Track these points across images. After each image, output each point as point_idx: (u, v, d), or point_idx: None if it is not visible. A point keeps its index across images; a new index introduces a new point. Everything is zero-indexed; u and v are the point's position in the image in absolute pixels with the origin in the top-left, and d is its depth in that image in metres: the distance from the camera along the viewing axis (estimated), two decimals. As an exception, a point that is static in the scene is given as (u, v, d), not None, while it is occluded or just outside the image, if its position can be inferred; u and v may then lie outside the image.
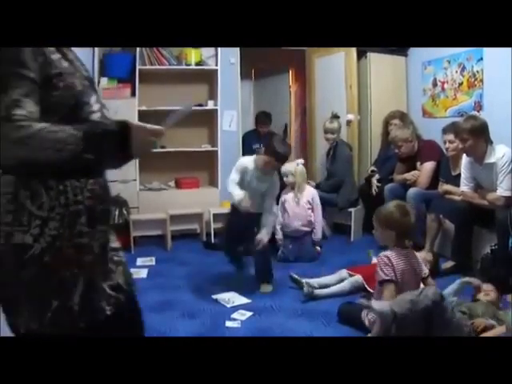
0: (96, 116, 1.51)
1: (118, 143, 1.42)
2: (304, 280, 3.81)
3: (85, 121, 1.45)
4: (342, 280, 3.89)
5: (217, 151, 5.96)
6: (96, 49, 5.37)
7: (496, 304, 3.13)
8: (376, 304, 2.81)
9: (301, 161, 5.05)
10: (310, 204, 4.87)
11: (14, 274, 1.38)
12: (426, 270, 3.19)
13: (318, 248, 4.90)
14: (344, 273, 3.96)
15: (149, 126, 1.49)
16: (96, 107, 1.53)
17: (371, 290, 3.53)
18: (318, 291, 3.74)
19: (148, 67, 5.69)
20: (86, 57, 5.14)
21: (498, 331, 2.71)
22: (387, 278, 2.98)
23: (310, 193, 4.95)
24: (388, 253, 3.07)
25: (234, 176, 3.86)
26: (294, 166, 4.88)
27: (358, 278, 3.80)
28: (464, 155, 4.25)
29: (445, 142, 4.71)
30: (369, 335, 2.94)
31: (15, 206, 1.37)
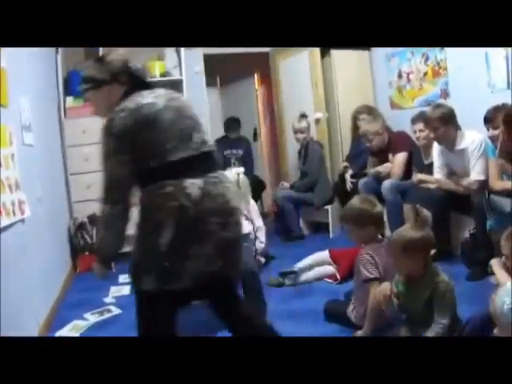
0: None
1: None
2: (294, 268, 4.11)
3: None
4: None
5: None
6: (59, 66, 5.25)
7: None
8: None
9: (240, 169, 4.49)
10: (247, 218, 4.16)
11: None
12: None
13: (262, 259, 4.55)
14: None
15: None
16: None
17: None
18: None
19: (113, 82, 5.61)
20: (50, 75, 5.06)
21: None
22: (372, 276, 2.92)
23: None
24: (369, 250, 2.98)
25: None
26: (234, 177, 4.14)
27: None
28: (435, 143, 4.29)
29: (415, 132, 4.75)
30: (358, 333, 2.89)
31: None
